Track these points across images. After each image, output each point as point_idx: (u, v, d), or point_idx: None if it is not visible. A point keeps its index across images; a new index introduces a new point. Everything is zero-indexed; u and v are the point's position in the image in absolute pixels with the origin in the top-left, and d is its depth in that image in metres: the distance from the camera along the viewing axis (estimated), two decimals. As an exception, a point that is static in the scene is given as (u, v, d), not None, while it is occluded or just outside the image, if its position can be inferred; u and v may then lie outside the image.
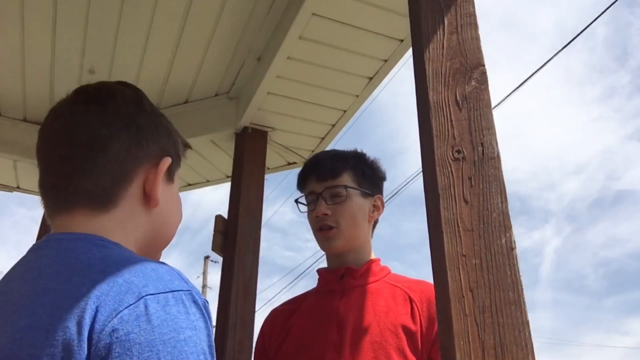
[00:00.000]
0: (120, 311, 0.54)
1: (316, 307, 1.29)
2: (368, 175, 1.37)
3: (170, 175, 0.79)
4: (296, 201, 1.39)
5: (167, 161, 0.76)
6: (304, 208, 1.38)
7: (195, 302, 0.59)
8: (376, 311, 1.22)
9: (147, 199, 0.74)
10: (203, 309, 0.60)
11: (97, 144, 0.71)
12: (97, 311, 0.54)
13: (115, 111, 0.74)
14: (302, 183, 1.39)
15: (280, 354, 1.28)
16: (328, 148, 2.62)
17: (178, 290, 0.59)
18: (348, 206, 1.30)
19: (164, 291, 0.57)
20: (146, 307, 0.55)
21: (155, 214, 0.75)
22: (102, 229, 0.69)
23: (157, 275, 0.59)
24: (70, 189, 0.70)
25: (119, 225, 0.70)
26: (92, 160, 0.70)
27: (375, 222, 1.40)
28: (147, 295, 0.56)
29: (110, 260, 0.61)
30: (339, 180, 1.31)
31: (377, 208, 1.37)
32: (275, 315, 1.39)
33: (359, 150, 1.43)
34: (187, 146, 0.86)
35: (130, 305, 0.54)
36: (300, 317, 1.30)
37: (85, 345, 0.52)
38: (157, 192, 0.74)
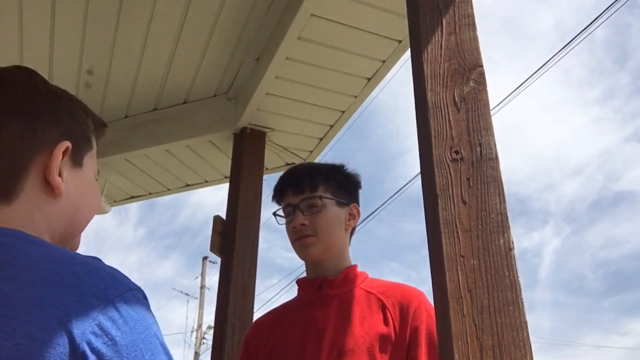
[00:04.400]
0: (95, 317, 0.53)
1: (299, 319, 1.33)
2: (343, 184, 1.40)
3: (77, 159, 0.73)
4: (274, 214, 1.42)
5: (62, 146, 0.70)
6: (282, 220, 1.41)
7: (145, 297, 0.61)
8: (352, 321, 1.26)
9: (50, 187, 0.69)
10: (148, 302, 0.62)
11: None
12: (69, 319, 0.52)
13: (4, 97, 0.69)
14: (278, 196, 1.42)
15: None
16: (326, 149, 2.62)
17: (134, 289, 0.59)
18: (324, 215, 1.33)
19: (124, 291, 0.58)
20: (117, 309, 0.55)
21: (63, 202, 0.71)
22: (10, 221, 0.65)
23: (109, 276, 0.59)
24: None
25: (27, 217, 0.67)
26: None
27: (353, 230, 1.43)
28: (113, 298, 0.56)
29: (58, 260, 0.58)
30: (315, 191, 1.35)
31: (353, 216, 1.40)
32: (260, 327, 1.41)
33: (336, 163, 1.46)
34: (102, 125, 0.80)
35: (103, 309, 0.54)
36: (284, 329, 1.34)
37: (72, 355, 0.51)
38: (57, 180, 0.69)
